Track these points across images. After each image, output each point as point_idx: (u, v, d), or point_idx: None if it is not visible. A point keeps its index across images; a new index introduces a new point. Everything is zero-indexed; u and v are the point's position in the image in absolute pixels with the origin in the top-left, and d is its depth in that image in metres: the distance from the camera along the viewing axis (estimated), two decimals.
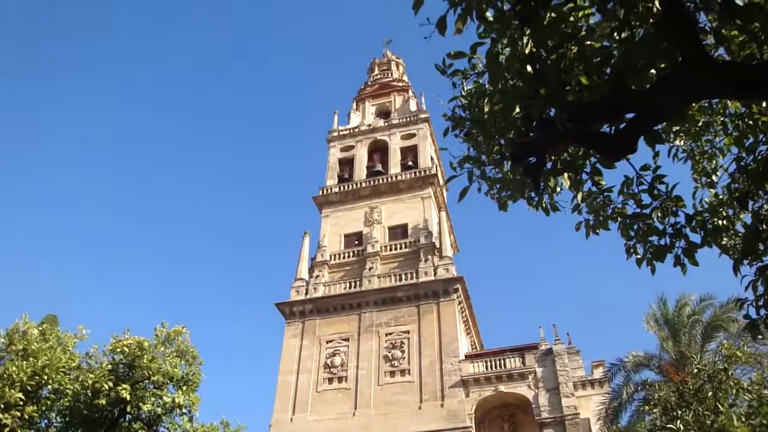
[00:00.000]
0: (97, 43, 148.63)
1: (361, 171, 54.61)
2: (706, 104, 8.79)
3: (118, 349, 28.21)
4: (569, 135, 6.52)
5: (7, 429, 25.23)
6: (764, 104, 8.09)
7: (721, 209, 8.77)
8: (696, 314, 32.89)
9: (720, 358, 25.90)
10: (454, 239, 54.87)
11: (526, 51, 6.15)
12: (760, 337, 8.18)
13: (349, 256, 48.69)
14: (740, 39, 6.74)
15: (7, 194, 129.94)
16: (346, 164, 56.04)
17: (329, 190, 53.29)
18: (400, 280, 44.65)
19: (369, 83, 65.42)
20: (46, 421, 28.91)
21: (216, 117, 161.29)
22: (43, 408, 27.73)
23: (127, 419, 28.85)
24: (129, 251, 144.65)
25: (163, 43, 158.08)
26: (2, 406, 25.04)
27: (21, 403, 25.53)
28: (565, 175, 7.76)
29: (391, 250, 47.80)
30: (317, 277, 47.00)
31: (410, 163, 53.81)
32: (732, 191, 8.73)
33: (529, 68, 6.29)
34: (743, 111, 8.57)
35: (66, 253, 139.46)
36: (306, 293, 46.14)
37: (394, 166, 53.82)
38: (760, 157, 8.36)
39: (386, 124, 57.74)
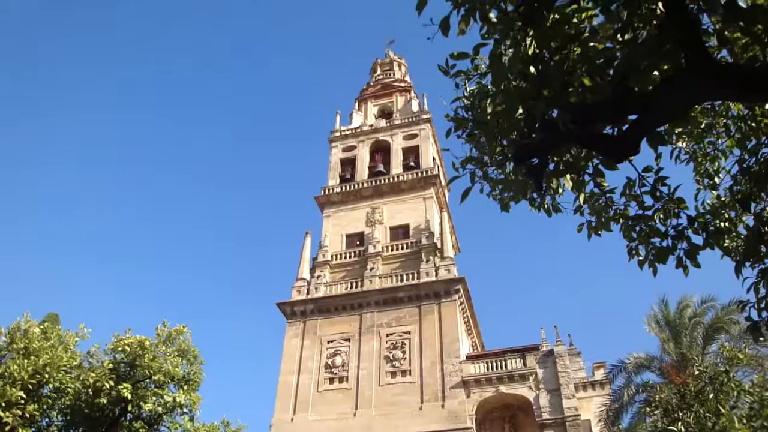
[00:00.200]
0: (98, 43, 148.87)
1: (363, 171, 54.60)
2: (709, 106, 8.79)
3: (120, 348, 28.24)
4: (572, 136, 6.52)
5: (8, 427, 25.26)
6: (767, 106, 8.09)
7: (723, 211, 8.77)
8: (697, 316, 32.87)
9: (721, 360, 25.91)
10: (456, 240, 54.85)
11: (529, 52, 6.15)
12: (761, 339, 8.19)
13: (350, 257, 48.68)
14: (743, 41, 6.73)
15: (9, 194, 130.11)
16: (348, 164, 56.03)
17: (331, 190, 53.27)
18: (402, 280, 44.63)
19: (371, 83, 65.43)
20: (47, 419, 28.93)
21: (218, 117, 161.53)
22: (44, 406, 27.75)
23: (128, 418, 28.87)
24: (130, 250, 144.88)
25: (165, 43, 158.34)
26: (3, 404, 25.06)
27: (22, 401, 25.56)
28: (568, 176, 7.76)
29: (392, 250, 47.77)
30: (318, 277, 46.98)
31: (412, 163, 53.79)
32: (734, 193, 8.72)
33: (532, 69, 6.29)
34: (746, 113, 8.57)
35: (67, 253, 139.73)
36: (307, 293, 46.12)
37: (396, 167, 53.79)
38: (762, 159, 8.36)
39: (388, 124, 57.73)
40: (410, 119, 57.27)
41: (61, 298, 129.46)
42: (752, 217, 8.43)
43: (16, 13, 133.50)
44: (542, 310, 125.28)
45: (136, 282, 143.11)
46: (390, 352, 41.52)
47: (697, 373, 23.05)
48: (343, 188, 53.08)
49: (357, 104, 62.67)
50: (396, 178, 52.24)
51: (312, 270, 48.10)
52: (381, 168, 54.15)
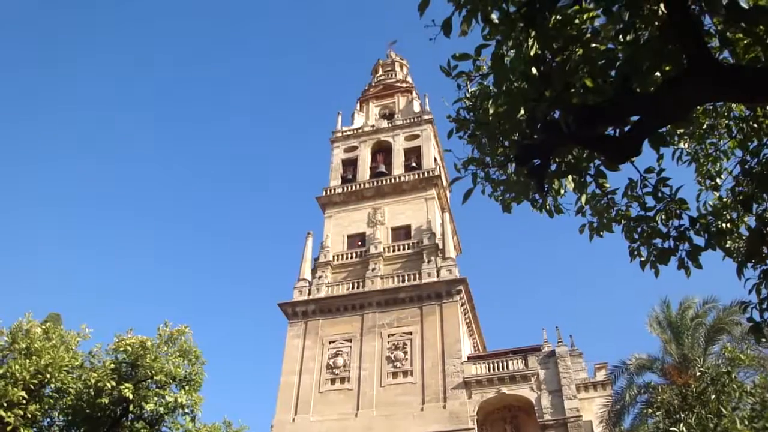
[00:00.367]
0: (98, 42, 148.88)
1: (364, 172, 54.62)
2: (711, 107, 8.78)
3: (121, 348, 28.24)
4: (574, 137, 6.52)
5: (10, 427, 25.27)
6: None
7: (725, 212, 8.76)
8: (699, 317, 32.83)
9: (723, 361, 25.92)
10: (458, 241, 54.86)
11: (531, 53, 6.15)
12: (763, 340, 8.17)
13: (352, 257, 48.70)
14: (745, 42, 6.73)
15: (10, 192, 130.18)
16: (350, 165, 56.03)
17: (332, 191, 53.30)
18: (403, 281, 44.66)
19: (373, 84, 65.45)
20: (48, 419, 28.94)
21: (220, 116, 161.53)
22: (46, 407, 27.76)
23: (130, 418, 28.87)
24: (132, 251, 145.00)
25: (166, 42, 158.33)
26: (5, 404, 25.08)
27: (24, 401, 25.57)
28: (569, 177, 7.76)
29: (394, 251, 47.80)
30: (320, 277, 47.00)
31: (414, 164, 53.80)
32: (736, 194, 8.72)
33: (533, 70, 6.29)
34: (747, 114, 8.57)
35: (69, 252, 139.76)
36: (309, 294, 46.16)
37: (398, 167, 53.80)
38: (764, 160, 8.35)
39: (390, 125, 57.74)
40: (412, 120, 57.27)
41: (62, 298, 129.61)
42: (754, 218, 8.42)
43: (18, 11, 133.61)
44: (544, 310, 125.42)
45: (138, 282, 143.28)
46: (391, 353, 41.54)
47: (698, 374, 23.06)
48: (345, 189, 53.11)
49: (359, 105, 62.68)
50: (397, 179, 52.26)
51: (313, 270, 48.13)
52: (382, 168, 54.18)
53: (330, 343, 43.40)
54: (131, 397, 26.82)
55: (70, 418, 28.36)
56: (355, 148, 56.77)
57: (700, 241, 7.95)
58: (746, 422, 19.54)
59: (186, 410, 29.08)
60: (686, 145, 9.26)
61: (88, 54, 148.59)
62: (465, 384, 39.03)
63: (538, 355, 39.66)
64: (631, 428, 31.48)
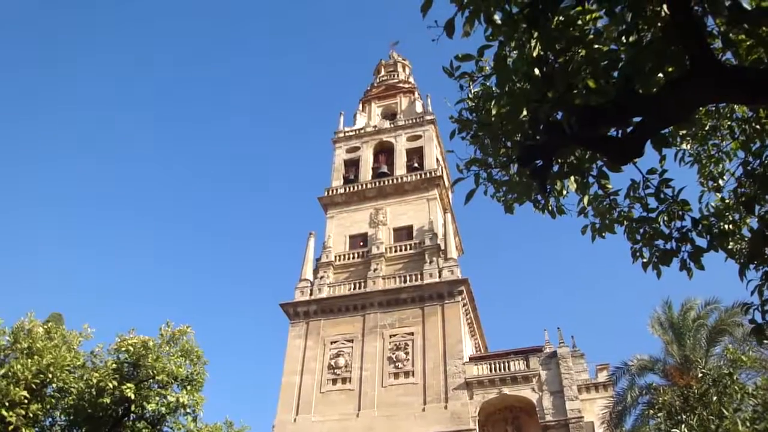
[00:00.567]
0: (98, 42, 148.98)
1: (366, 172, 54.64)
2: (713, 108, 8.77)
3: (123, 348, 28.21)
4: (576, 138, 6.52)
5: (12, 427, 25.26)
6: None
7: (727, 213, 8.75)
8: (701, 318, 32.83)
9: (725, 362, 25.88)
10: (459, 241, 54.88)
11: (534, 54, 6.15)
12: (765, 341, 8.15)
13: (353, 257, 48.73)
14: (747, 43, 6.73)
15: (11, 192, 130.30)
16: (352, 165, 56.07)
17: (334, 191, 53.33)
18: (405, 281, 44.68)
19: (375, 84, 65.46)
20: (50, 419, 28.92)
21: (221, 116, 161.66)
22: (48, 406, 27.74)
23: (132, 418, 28.85)
24: (134, 251, 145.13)
25: (167, 42, 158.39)
26: (7, 404, 25.07)
27: (25, 401, 25.56)
28: (572, 178, 7.75)
29: (396, 251, 47.83)
30: (322, 277, 47.02)
31: (416, 164, 53.81)
32: (738, 195, 8.71)
33: (536, 71, 6.29)
34: (750, 115, 8.55)
35: (71, 252, 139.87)
36: (310, 294, 46.18)
37: (400, 168, 53.82)
38: (767, 161, 8.34)
39: (392, 125, 57.75)
40: (414, 120, 57.29)
41: (64, 298, 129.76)
42: (756, 219, 8.41)
43: (16, 13, 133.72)
44: (546, 311, 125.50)
45: (139, 282, 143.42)
46: (393, 353, 41.55)
47: (700, 375, 23.01)
48: (347, 189, 53.14)
49: (361, 105, 62.69)
50: (399, 180, 52.30)
51: (315, 271, 48.17)
52: (385, 169, 54.22)
53: (331, 343, 43.42)
54: (133, 396, 26.79)
55: (71, 417, 28.34)
56: (357, 148, 56.80)
57: (702, 242, 7.94)
58: (748, 424, 19.52)
59: (188, 410, 29.04)
60: (689, 146, 9.25)
61: (88, 54, 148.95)
62: (466, 384, 39.03)
63: (539, 356, 39.65)
64: (633, 429, 31.45)
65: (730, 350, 24.95)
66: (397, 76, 66.10)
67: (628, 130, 6.78)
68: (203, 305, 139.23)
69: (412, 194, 51.34)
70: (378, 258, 46.75)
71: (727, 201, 8.98)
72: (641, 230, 8.05)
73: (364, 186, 52.87)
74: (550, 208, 8.10)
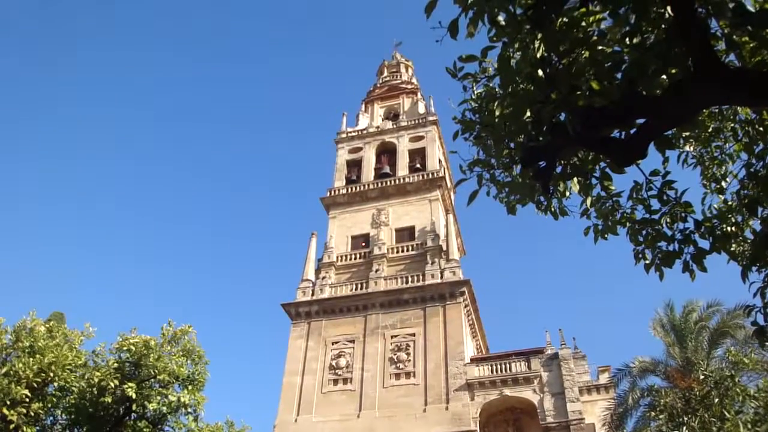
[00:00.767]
0: (99, 41, 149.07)
1: (368, 173, 54.64)
2: (716, 110, 8.77)
3: (125, 348, 28.21)
4: (579, 139, 6.52)
5: (13, 426, 25.29)
6: None
7: (730, 215, 8.75)
8: (703, 320, 32.86)
9: (727, 364, 25.88)
10: (461, 242, 54.86)
11: (538, 55, 6.15)
12: (767, 343, 8.15)
13: (355, 258, 48.72)
14: (751, 45, 6.73)
15: (11, 191, 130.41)
16: (354, 166, 56.07)
17: (337, 192, 53.34)
18: (407, 282, 44.67)
19: (378, 85, 65.46)
20: (51, 418, 28.94)
21: (222, 117, 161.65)
22: (49, 405, 27.77)
23: (133, 418, 28.88)
24: (136, 250, 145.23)
25: (168, 41, 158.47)
26: (8, 402, 25.10)
27: (27, 400, 25.58)
28: (575, 179, 7.75)
29: (397, 252, 47.82)
30: (323, 278, 47.02)
31: (418, 165, 53.82)
32: (741, 197, 8.71)
33: (540, 72, 6.29)
34: (753, 117, 8.55)
35: (72, 251, 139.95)
36: (312, 294, 46.18)
37: (402, 168, 53.82)
38: None
39: (395, 126, 57.73)
40: (416, 121, 57.29)
41: (66, 297, 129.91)
42: (759, 221, 8.42)
43: (16, 12, 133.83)
44: (547, 313, 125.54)
45: (142, 281, 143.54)
46: (394, 354, 41.54)
47: (702, 377, 22.98)
48: (349, 190, 53.15)
49: (363, 106, 62.69)
50: (402, 180, 52.30)
51: (317, 271, 48.17)
52: (387, 170, 54.20)
53: (333, 343, 43.42)
54: (134, 396, 26.80)
55: (73, 416, 28.35)
56: (359, 149, 56.80)
57: (704, 244, 7.94)
58: (749, 426, 19.52)
59: (189, 410, 29.05)
60: (692, 148, 9.25)
61: (88, 53, 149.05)
62: (468, 386, 39.01)
63: (541, 358, 39.63)
64: (634, 431, 31.46)
65: (731, 352, 24.93)
66: (400, 76, 66.10)
67: (632, 131, 6.79)
68: (205, 305, 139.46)
69: (415, 195, 51.34)
70: (380, 259, 46.74)
71: (729, 203, 8.98)
72: (644, 232, 8.04)
73: (366, 186, 52.86)
74: (552, 209, 8.09)
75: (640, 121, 6.63)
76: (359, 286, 45.64)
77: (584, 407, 37.36)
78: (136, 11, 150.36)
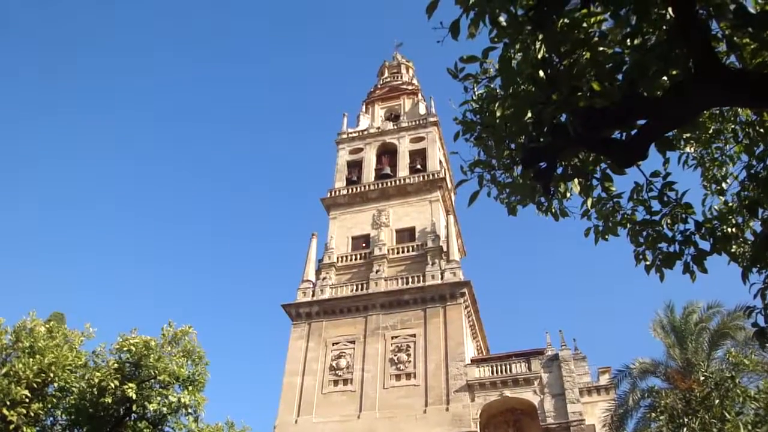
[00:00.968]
0: (99, 41, 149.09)
1: (369, 173, 54.63)
2: (717, 111, 8.78)
3: (125, 348, 28.23)
4: (580, 140, 6.52)
5: (13, 426, 25.30)
6: None
7: (730, 217, 8.75)
8: (703, 321, 32.85)
9: (727, 365, 25.87)
10: (462, 243, 54.83)
11: (539, 56, 6.15)
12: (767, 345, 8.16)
13: (356, 259, 48.70)
14: (752, 46, 6.73)
15: (12, 192, 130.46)
16: (355, 166, 56.07)
17: (337, 192, 53.34)
18: (407, 283, 44.65)
19: (379, 86, 65.47)
20: (51, 418, 28.98)
21: (223, 117, 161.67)
22: (49, 405, 27.79)
23: (133, 418, 28.90)
24: (136, 250, 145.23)
25: (168, 41, 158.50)
26: (8, 403, 25.12)
27: (27, 400, 25.61)
28: (575, 180, 7.75)
29: (398, 253, 47.80)
30: (324, 279, 47.01)
31: (419, 166, 53.81)
32: (742, 199, 8.71)
33: (541, 73, 6.29)
34: (754, 119, 8.56)
35: (72, 252, 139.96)
36: (312, 295, 46.16)
37: (403, 169, 53.83)
38: None
39: (395, 126, 57.73)
40: (417, 122, 57.29)
41: (66, 298, 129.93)
42: (759, 222, 8.42)
43: (16, 12, 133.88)
44: (547, 314, 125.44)
45: (142, 281, 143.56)
46: (395, 355, 41.52)
47: (702, 378, 22.99)
48: (350, 190, 53.15)
49: (364, 106, 62.70)
50: (402, 181, 52.30)
51: (317, 272, 48.16)
52: (387, 170, 54.21)
53: (333, 344, 43.40)
54: (134, 396, 26.83)
55: (73, 417, 28.37)
56: (360, 149, 56.81)
57: (705, 245, 7.94)
58: (750, 427, 19.53)
59: (189, 410, 29.08)
60: (692, 149, 9.26)
61: (88, 54, 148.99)
62: (468, 387, 38.99)
63: (541, 359, 39.61)
64: None
65: (732, 354, 24.93)
66: (401, 77, 66.11)
67: (632, 132, 6.79)
68: (205, 306, 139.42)
69: (415, 196, 51.34)
70: (380, 259, 46.73)
71: (730, 204, 8.98)
72: (644, 233, 8.03)
73: (366, 187, 52.84)
74: (553, 210, 8.09)
75: (641, 122, 6.64)
76: (360, 286, 45.63)
77: (584, 408, 37.33)
78: (135, 11, 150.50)
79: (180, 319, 66.68)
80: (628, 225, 8.13)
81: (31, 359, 26.13)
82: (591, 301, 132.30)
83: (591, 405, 38.93)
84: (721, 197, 9.24)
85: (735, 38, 6.59)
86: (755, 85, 5.86)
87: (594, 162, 7.62)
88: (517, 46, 6.43)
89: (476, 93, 7.69)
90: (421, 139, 55.88)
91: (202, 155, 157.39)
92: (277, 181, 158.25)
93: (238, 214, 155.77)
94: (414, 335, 42.19)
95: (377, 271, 45.85)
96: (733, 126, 8.89)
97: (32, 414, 26.12)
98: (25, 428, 25.69)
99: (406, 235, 49.27)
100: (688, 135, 8.92)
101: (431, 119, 56.81)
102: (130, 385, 26.87)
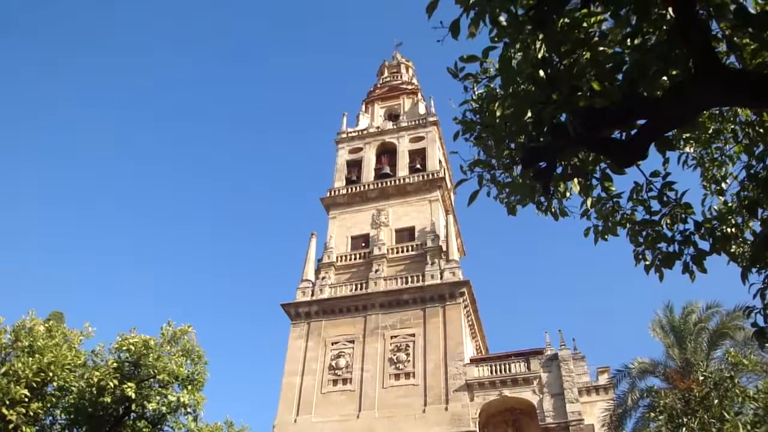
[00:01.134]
0: (99, 41, 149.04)
1: (369, 173, 54.64)
2: (717, 111, 8.79)
3: (124, 347, 28.19)
4: (580, 140, 6.52)
5: (12, 425, 25.27)
6: None
7: (730, 217, 8.76)
8: (702, 321, 32.86)
9: (726, 365, 25.87)
10: (461, 243, 54.82)
11: (539, 56, 6.15)
12: (767, 345, 8.16)
13: (355, 258, 48.70)
14: (752, 47, 6.74)
15: (12, 191, 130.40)
16: (354, 166, 56.07)
17: (337, 192, 53.34)
18: (407, 282, 44.66)
19: (378, 85, 65.45)
20: (50, 418, 28.93)
21: (223, 116, 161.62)
22: (48, 405, 27.74)
23: (132, 417, 28.86)
24: (136, 249, 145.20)
25: (168, 41, 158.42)
26: (7, 402, 25.09)
27: (26, 399, 25.57)
28: (575, 180, 7.76)
29: (397, 252, 47.80)
30: (323, 278, 47.01)
31: (418, 165, 53.82)
32: (741, 199, 8.72)
33: (541, 73, 6.29)
34: (754, 119, 8.57)
35: (72, 250, 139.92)
36: (312, 294, 46.16)
37: (402, 169, 53.83)
38: None
39: (395, 126, 57.72)
40: (417, 122, 57.30)
41: (66, 297, 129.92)
42: (759, 222, 8.43)
43: (16, 12, 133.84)
44: (547, 313, 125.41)
45: (142, 280, 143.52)
46: (394, 355, 41.53)
47: (701, 378, 23.01)
48: (349, 190, 53.15)
49: (364, 106, 62.69)
50: (402, 181, 52.31)
51: (317, 271, 48.15)
52: (387, 170, 54.21)
53: (332, 344, 43.41)
54: (134, 396, 26.79)
55: (72, 416, 28.33)
56: (359, 149, 56.81)
57: (705, 245, 7.95)
58: (749, 427, 19.56)
59: (188, 410, 29.04)
60: (692, 149, 9.27)
61: (88, 54, 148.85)
62: (467, 386, 39.01)
63: (540, 359, 39.63)
64: None
65: (731, 354, 24.94)
66: (401, 77, 66.10)
67: (632, 132, 6.79)
68: (204, 305, 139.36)
69: (415, 195, 51.35)
70: (380, 259, 46.74)
71: (730, 204, 8.99)
72: (644, 233, 8.04)
73: (366, 187, 52.85)
74: (553, 210, 8.09)
75: (641, 122, 6.64)
76: (359, 286, 45.63)
77: (583, 408, 37.33)
78: (135, 11, 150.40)
79: (179, 318, 66.68)
80: (628, 225, 8.13)
81: (30, 358, 26.10)
82: (590, 301, 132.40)
83: (590, 405, 38.90)
84: (720, 197, 9.25)
85: (735, 38, 6.60)
86: (755, 85, 5.86)
87: (594, 162, 7.62)
88: (517, 46, 6.43)
89: (476, 92, 7.69)
90: (421, 138, 55.89)
91: (202, 155, 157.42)
92: (277, 181, 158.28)
93: (237, 213, 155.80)
94: (413, 335, 42.20)
95: (376, 271, 45.86)
96: (732, 126, 8.90)
97: (31, 413, 26.09)
98: (24, 427, 25.66)
99: (405, 234, 49.28)
100: (687, 135, 8.92)
101: (431, 119, 56.82)
102: (130, 384, 26.84)
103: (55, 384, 27.54)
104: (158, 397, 28.35)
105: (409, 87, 63.67)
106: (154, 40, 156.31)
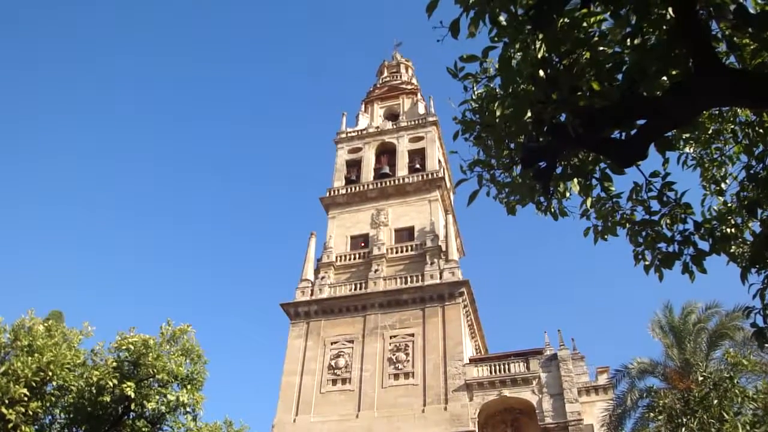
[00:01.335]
0: (99, 41, 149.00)
1: (368, 173, 54.64)
2: (717, 112, 8.79)
3: (124, 347, 28.15)
4: (580, 140, 6.52)
5: (11, 425, 25.25)
6: None
7: (729, 217, 8.77)
8: (702, 322, 32.84)
9: (725, 366, 25.87)
10: (461, 243, 54.84)
11: (539, 56, 6.15)
12: (766, 345, 8.16)
13: (354, 258, 48.70)
14: (752, 47, 6.74)
15: (12, 189, 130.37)
16: (354, 166, 56.09)
17: (336, 192, 53.34)
18: (406, 282, 44.65)
19: (378, 85, 65.44)
20: (50, 417, 28.89)
21: (223, 116, 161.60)
22: (48, 404, 27.71)
23: (131, 417, 28.82)
24: (135, 249, 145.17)
25: (168, 41, 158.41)
26: (7, 401, 25.05)
27: (25, 399, 25.52)
28: (575, 180, 7.75)
29: (397, 252, 47.80)
30: (323, 278, 47.00)
31: (418, 165, 53.82)
32: (741, 199, 8.72)
33: (541, 73, 6.29)
34: (753, 119, 8.57)
35: (72, 250, 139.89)
36: (311, 294, 46.16)
37: (402, 169, 53.83)
38: None
39: (394, 126, 57.72)
40: (416, 121, 57.30)
41: (65, 296, 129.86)
42: (759, 223, 8.43)
43: (17, 13, 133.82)
44: (546, 313, 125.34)
45: (141, 280, 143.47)
46: (393, 354, 41.53)
47: (701, 378, 22.99)
48: (349, 190, 53.15)
49: (363, 106, 62.66)
50: (401, 180, 52.31)
51: (316, 271, 48.15)
52: (386, 170, 54.21)
53: (332, 343, 43.40)
54: (133, 395, 26.75)
55: (71, 415, 28.30)
56: (359, 149, 56.81)
57: (704, 245, 7.95)
58: (748, 427, 19.54)
59: (187, 409, 28.99)
60: (692, 149, 9.27)
61: (88, 54, 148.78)
62: (466, 386, 39.01)
63: (539, 358, 39.63)
64: None
65: (730, 354, 24.93)
66: (400, 77, 66.09)
67: (632, 132, 6.79)
68: (204, 304, 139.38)
69: (414, 195, 51.35)
70: (379, 259, 46.74)
71: (729, 204, 9.00)
72: (643, 233, 8.04)
73: (365, 187, 52.85)
74: (552, 210, 8.10)
75: (641, 122, 6.64)
76: (358, 286, 45.64)
77: (583, 408, 37.32)
78: (135, 11, 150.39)
79: (179, 317, 66.63)
80: (627, 225, 8.13)
81: (29, 358, 26.06)
82: (590, 301, 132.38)
83: (589, 405, 38.89)
84: (720, 197, 9.25)
85: (735, 38, 6.60)
86: (755, 85, 5.86)
87: (593, 162, 7.62)
88: (517, 46, 6.43)
89: (476, 92, 7.69)
90: (420, 138, 55.89)
91: (202, 154, 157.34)
92: (277, 181, 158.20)
93: (237, 213, 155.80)
94: (412, 335, 42.20)
95: (376, 271, 45.86)
96: (732, 126, 8.90)
97: (31, 412, 26.05)
98: (23, 427, 25.63)
99: (404, 234, 49.28)
100: (687, 135, 8.93)
101: (430, 119, 56.83)
102: (129, 383, 26.80)
103: (54, 383, 27.49)
104: (157, 397, 28.31)
105: (409, 87, 63.65)
106: (154, 40, 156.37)
